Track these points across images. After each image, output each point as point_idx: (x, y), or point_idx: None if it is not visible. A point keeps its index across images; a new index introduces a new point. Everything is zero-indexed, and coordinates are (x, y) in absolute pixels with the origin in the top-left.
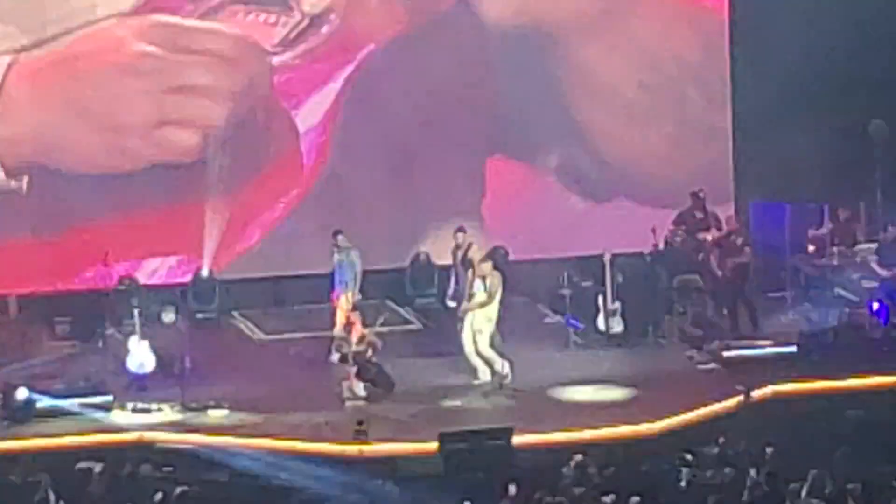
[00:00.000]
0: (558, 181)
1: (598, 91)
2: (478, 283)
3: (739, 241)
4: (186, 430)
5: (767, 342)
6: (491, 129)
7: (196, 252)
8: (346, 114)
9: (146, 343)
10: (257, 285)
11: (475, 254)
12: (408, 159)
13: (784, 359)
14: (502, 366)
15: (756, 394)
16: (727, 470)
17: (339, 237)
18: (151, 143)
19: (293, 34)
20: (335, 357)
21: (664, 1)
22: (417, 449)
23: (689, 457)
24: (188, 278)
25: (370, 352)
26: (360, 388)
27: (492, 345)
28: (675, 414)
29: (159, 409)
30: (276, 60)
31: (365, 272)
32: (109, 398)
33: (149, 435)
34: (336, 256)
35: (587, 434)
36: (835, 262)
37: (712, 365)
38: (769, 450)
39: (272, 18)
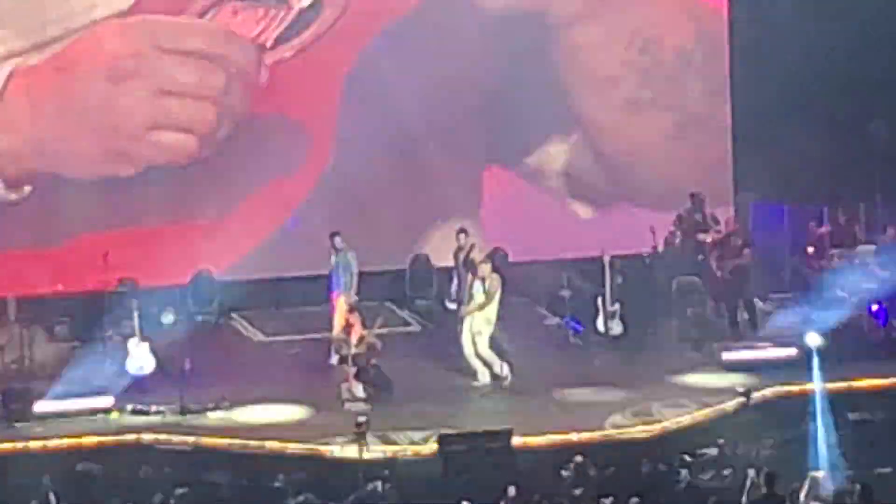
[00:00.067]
0: (558, 182)
1: (596, 82)
2: (477, 284)
3: (739, 242)
4: (186, 431)
5: (767, 344)
6: (489, 126)
7: (195, 254)
8: (343, 111)
9: (146, 345)
10: (257, 287)
11: (477, 255)
12: (407, 159)
13: (783, 360)
14: (501, 367)
15: (755, 395)
16: (726, 471)
17: (336, 238)
18: (148, 146)
19: (288, 29)
20: (334, 359)
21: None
22: (417, 450)
23: (688, 458)
24: (187, 280)
25: (369, 353)
26: (359, 390)
27: (491, 346)
28: (675, 416)
29: (159, 411)
30: (271, 57)
31: (364, 273)
32: (109, 400)
33: (148, 436)
34: (333, 258)
35: (586, 436)
36: (834, 264)
37: (712, 366)
38: (768, 452)
39: (269, 13)
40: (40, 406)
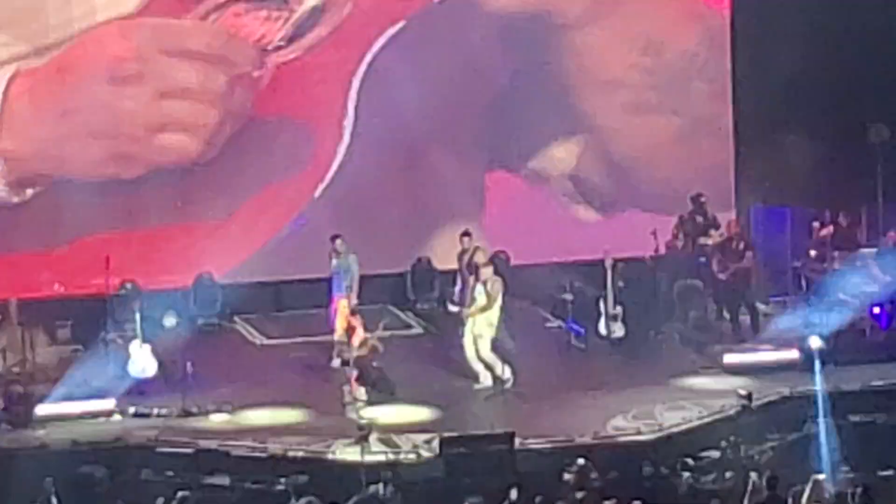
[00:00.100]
0: (562, 185)
1: (603, 88)
2: (479, 287)
3: (741, 245)
4: (188, 434)
5: (769, 347)
6: (494, 128)
7: (197, 257)
8: (348, 114)
9: (148, 348)
10: (259, 290)
11: (481, 258)
12: (411, 162)
13: (785, 363)
14: (503, 370)
15: (757, 398)
16: (728, 474)
17: (337, 241)
18: (151, 148)
19: (293, 30)
20: (336, 361)
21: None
22: (419, 453)
23: (689, 461)
24: (189, 283)
25: (371, 356)
26: (361, 393)
27: (494, 349)
28: (677, 418)
29: (161, 414)
30: (276, 59)
31: (367, 276)
32: (111, 403)
33: (150, 439)
34: (334, 261)
35: (588, 439)
36: (836, 267)
37: (713, 369)
38: (770, 454)
39: (275, 14)
40: (42, 409)
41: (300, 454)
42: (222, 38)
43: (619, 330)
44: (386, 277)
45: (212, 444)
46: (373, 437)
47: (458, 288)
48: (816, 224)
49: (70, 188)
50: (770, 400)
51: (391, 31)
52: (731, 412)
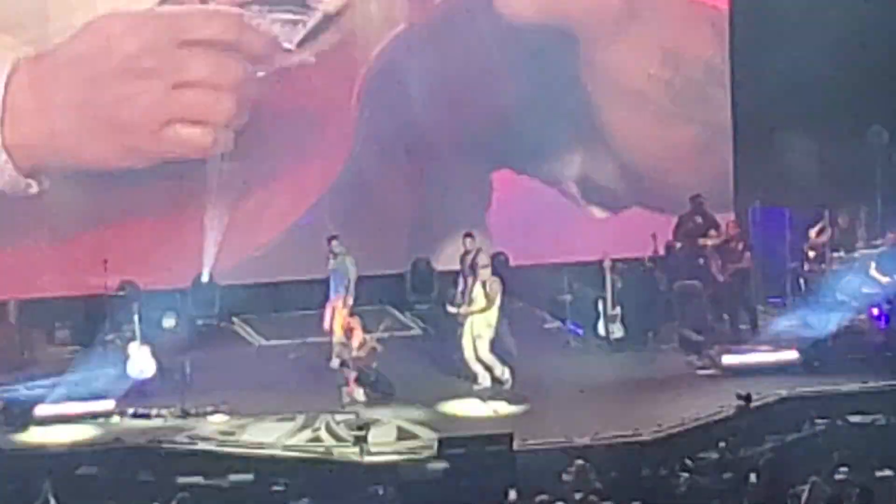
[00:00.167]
0: (568, 186)
1: (611, 88)
2: (478, 288)
3: (740, 246)
4: (186, 435)
5: (767, 348)
6: (503, 134)
7: (196, 257)
8: (357, 117)
9: (146, 348)
10: (258, 291)
11: (483, 260)
12: (417, 163)
13: (784, 364)
14: (502, 371)
15: (756, 399)
16: (727, 475)
17: (334, 243)
18: (161, 140)
19: (310, 32)
20: (335, 362)
21: (670, 2)
22: (417, 455)
23: (688, 462)
24: (188, 283)
25: (370, 357)
26: (359, 394)
27: (492, 350)
28: (675, 419)
29: (159, 415)
30: (290, 60)
31: (366, 277)
32: (110, 404)
33: (149, 440)
34: (331, 262)
35: (587, 439)
36: (835, 268)
37: (712, 370)
38: (769, 455)
39: (289, 17)
40: (41, 410)
41: (299, 455)
42: (235, 27)
43: (617, 331)
44: (385, 278)
45: (210, 444)
46: (371, 438)
47: (460, 289)
48: (812, 231)
49: (76, 183)
50: (768, 401)
51: (402, 36)
52: (730, 413)
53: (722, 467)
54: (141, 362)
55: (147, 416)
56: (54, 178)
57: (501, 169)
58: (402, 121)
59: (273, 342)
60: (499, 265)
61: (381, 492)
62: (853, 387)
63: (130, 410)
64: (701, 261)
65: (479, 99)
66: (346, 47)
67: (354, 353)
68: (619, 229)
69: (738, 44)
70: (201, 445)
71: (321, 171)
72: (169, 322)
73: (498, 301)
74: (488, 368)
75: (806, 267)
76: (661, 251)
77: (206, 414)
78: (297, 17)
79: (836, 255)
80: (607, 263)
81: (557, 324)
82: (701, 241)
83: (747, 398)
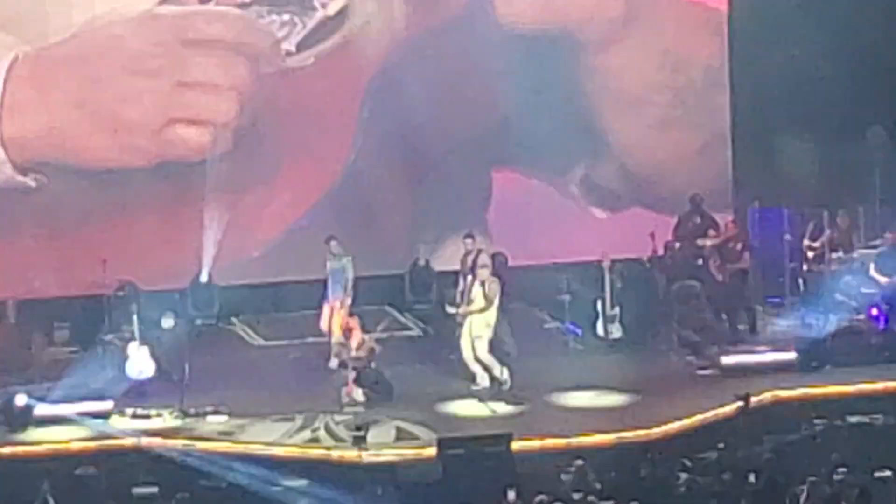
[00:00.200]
0: (569, 187)
1: (608, 92)
2: (476, 288)
3: (739, 246)
4: (185, 436)
5: (766, 348)
6: (501, 136)
7: (195, 257)
8: (357, 119)
9: (145, 349)
10: (257, 291)
11: (486, 261)
12: (416, 165)
13: (783, 365)
14: (501, 371)
15: (755, 399)
16: (726, 476)
17: (333, 243)
18: (160, 140)
19: (306, 37)
20: (334, 362)
21: (667, 4)
22: (416, 455)
23: (687, 462)
24: (187, 284)
25: (369, 357)
26: (359, 394)
27: (491, 350)
28: (674, 420)
29: (158, 415)
30: (288, 63)
31: (365, 278)
32: (109, 404)
33: (147, 441)
34: (329, 263)
35: (586, 440)
36: (834, 268)
37: (711, 370)
38: (768, 455)
39: (290, 19)
40: (40, 410)
41: (298, 455)
42: (238, 34)
43: (616, 331)
44: (384, 279)
45: (209, 445)
46: (370, 439)
47: (460, 290)
48: (807, 242)
49: (74, 181)
50: (767, 401)
51: (403, 40)
52: (729, 413)
53: (721, 467)
54: (140, 363)
55: (146, 417)
56: (54, 176)
57: (501, 170)
58: (402, 123)
59: (272, 342)
60: (498, 265)
61: (379, 492)
62: (852, 387)
63: (129, 411)
64: (700, 261)
65: (479, 103)
66: (346, 50)
67: (353, 354)
68: (618, 229)
69: (737, 45)
70: (200, 446)
71: (321, 172)
72: (168, 322)
73: (497, 301)
74: (487, 369)
75: (805, 267)
76: (660, 251)
77: (205, 414)
78: (298, 18)
79: (834, 255)
80: (606, 263)
81: (556, 324)
82: (700, 241)
83: (746, 398)
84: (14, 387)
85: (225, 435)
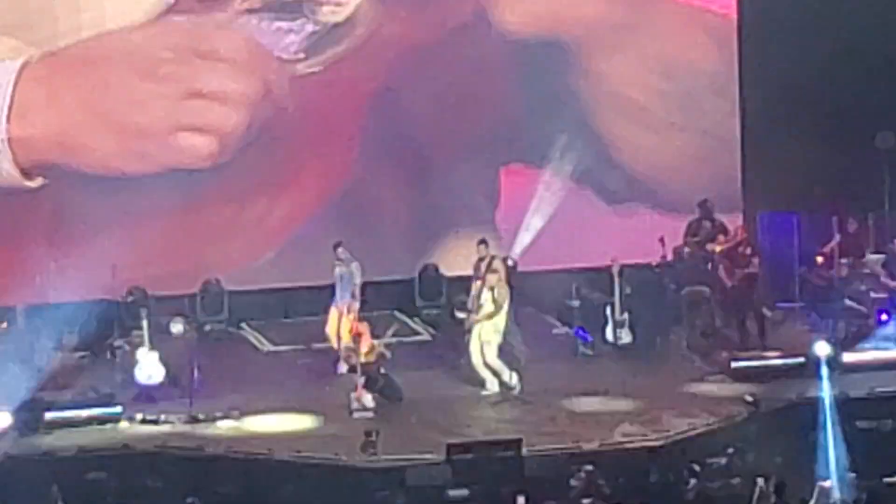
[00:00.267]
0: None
1: (611, 99)
2: (486, 293)
3: (748, 251)
4: (195, 441)
5: (775, 353)
6: (506, 141)
7: (205, 262)
8: (363, 126)
9: (155, 354)
10: (266, 296)
11: (499, 266)
12: (422, 170)
13: (792, 369)
14: (510, 377)
15: (764, 405)
16: (735, 480)
17: (339, 249)
18: (167, 147)
19: (313, 44)
20: (342, 367)
21: (678, 8)
22: (426, 460)
23: (697, 467)
24: (196, 289)
25: (378, 363)
26: (368, 399)
27: (500, 356)
28: (683, 425)
29: (168, 420)
30: (294, 69)
31: (374, 283)
32: (118, 409)
33: (157, 446)
34: (337, 269)
35: (596, 445)
36: (843, 274)
37: (720, 375)
38: (777, 460)
39: (292, 27)
40: (50, 415)
41: (307, 461)
42: (241, 42)
43: (625, 336)
44: (393, 284)
45: (219, 450)
46: (380, 443)
47: (473, 294)
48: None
49: (80, 187)
50: (777, 406)
51: (405, 49)
52: (739, 418)
53: (730, 473)
54: (149, 368)
55: (155, 422)
56: (63, 181)
57: (509, 172)
58: (408, 129)
59: (281, 347)
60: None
61: (389, 497)
62: (861, 392)
63: (139, 416)
64: (709, 266)
65: (481, 111)
66: (353, 57)
67: (363, 359)
68: (627, 234)
69: (747, 51)
70: (209, 451)
71: (328, 178)
72: (177, 328)
73: (506, 306)
74: (496, 374)
75: (814, 272)
76: (670, 256)
77: (214, 419)
78: (305, 26)
79: (844, 260)
80: (616, 269)
81: (566, 329)
82: (709, 246)
83: (756, 403)
84: (24, 392)
85: (234, 440)
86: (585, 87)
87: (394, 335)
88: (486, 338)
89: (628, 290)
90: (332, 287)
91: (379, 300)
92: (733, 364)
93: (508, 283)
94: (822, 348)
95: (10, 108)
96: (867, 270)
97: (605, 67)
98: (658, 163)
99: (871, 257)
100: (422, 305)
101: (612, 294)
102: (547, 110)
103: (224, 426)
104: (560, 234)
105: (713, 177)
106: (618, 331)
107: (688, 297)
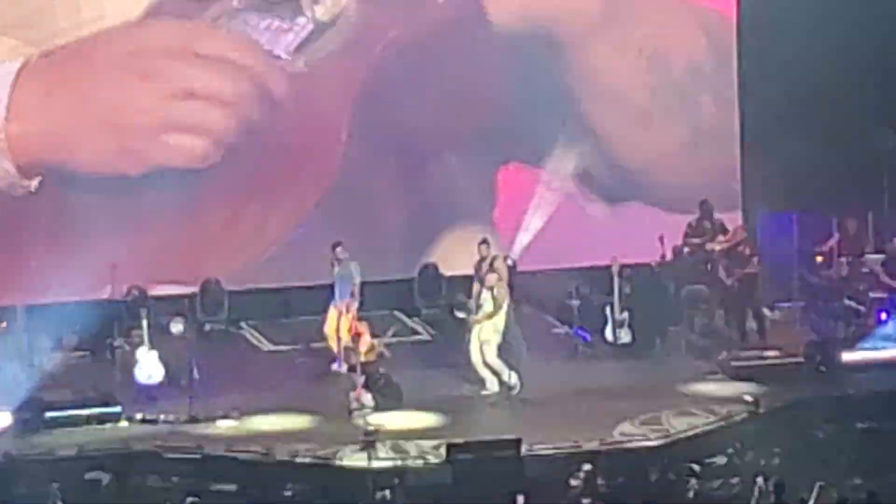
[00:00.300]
0: (571, 188)
1: (608, 95)
2: (485, 293)
3: (747, 251)
4: (195, 440)
5: (775, 353)
6: (501, 137)
7: (205, 262)
8: (356, 122)
9: (155, 353)
10: (265, 296)
11: (501, 267)
12: (418, 168)
13: (792, 369)
14: (510, 376)
15: (764, 405)
16: (735, 480)
17: (338, 249)
18: (159, 147)
19: (305, 41)
20: (338, 366)
21: (675, 6)
22: (425, 459)
23: (696, 467)
24: (196, 288)
25: (378, 362)
26: (367, 399)
27: (500, 355)
28: (683, 425)
29: (167, 420)
30: (287, 67)
31: (373, 283)
32: (118, 409)
33: (157, 445)
34: (335, 269)
35: (595, 445)
36: (843, 273)
37: (720, 375)
38: (776, 460)
39: (284, 25)
40: (50, 415)
41: (307, 460)
42: (233, 42)
43: (625, 336)
44: (393, 283)
45: (219, 450)
46: (379, 444)
47: (475, 293)
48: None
49: (73, 189)
50: (777, 406)
51: (396, 45)
52: (738, 418)
53: (730, 472)
54: (149, 367)
55: (155, 422)
56: (61, 182)
57: (506, 170)
58: (399, 127)
59: (280, 347)
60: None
61: (388, 497)
62: (861, 392)
63: (138, 415)
64: (709, 266)
65: (473, 106)
66: (341, 54)
67: (362, 358)
68: (626, 233)
69: (745, 49)
70: (209, 450)
71: (325, 175)
72: (177, 327)
73: (505, 306)
74: (496, 373)
75: (813, 272)
76: (669, 256)
77: (214, 419)
78: (293, 23)
79: (843, 259)
80: (615, 268)
81: (565, 329)
82: (709, 245)
83: (755, 403)
84: (23, 392)
85: (234, 439)
86: (580, 81)
87: (393, 335)
88: (485, 337)
89: (628, 290)
90: (331, 287)
91: (378, 300)
92: (733, 364)
93: (509, 283)
94: (821, 348)
95: (8, 108)
96: (867, 270)
97: (598, 62)
98: (655, 157)
99: (871, 257)
100: (421, 305)
101: (612, 293)
102: (542, 106)
103: (224, 426)
104: (559, 234)
105: (711, 171)
106: (617, 330)
107: (687, 296)
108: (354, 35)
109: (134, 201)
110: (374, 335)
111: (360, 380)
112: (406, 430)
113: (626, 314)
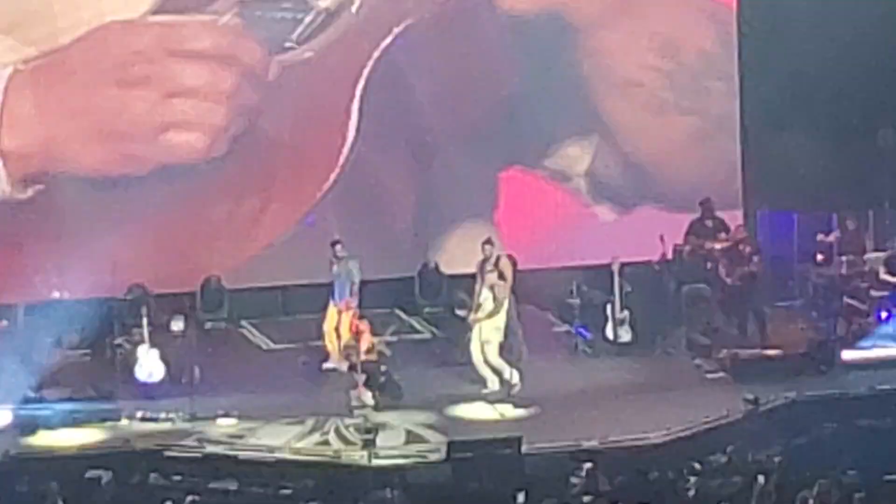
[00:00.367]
0: (578, 184)
1: (613, 85)
2: (486, 292)
3: (748, 249)
4: (195, 439)
5: (776, 351)
6: (508, 132)
7: (206, 259)
8: (362, 115)
9: (155, 352)
10: (266, 294)
11: (505, 267)
12: (423, 162)
13: (792, 367)
14: (511, 375)
15: (764, 402)
16: (735, 478)
17: (337, 247)
18: (160, 147)
19: (308, 30)
20: (340, 365)
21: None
22: (426, 457)
23: (697, 465)
24: (197, 287)
25: (379, 360)
26: (368, 397)
27: (501, 354)
28: (684, 423)
29: (168, 418)
30: (288, 59)
31: (374, 281)
32: (118, 407)
33: (157, 444)
34: (335, 267)
35: (596, 443)
36: (843, 272)
37: (720, 374)
38: (777, 458)
39: (287, 14)
40: (50, 413)
41: (307, 458)
42: (230, 38)
43: (626, 334)
44: (394, 282)
45: (219, 448)
46: (380, 442)
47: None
48: (821, 236)
49: (74, 188)
50: (777, 404)
51: (403, 33)
52: (738, 416)
53: (730, 471)
54: (149, 366)
55: (155, 420)
56: (58, 186)
57: (509, 168)
58: (405, 118)
59: (281, 345)
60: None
61: (389, 495)
62: (861, 390)
63: (139, 414)
64: (709, 264)
65: (482, 95)
66: (346, 44)
67: (363, 357)
68: (627, 232)
69: (746, 44)
70: (210, 449)
71: (322, 168)
72: (177, 325)
73: (506, 305)
74: (497, 372)
75: (814, 270)
76: (670, 254)
77: (214, 417)
78: (297, 14)
79: (844, 258)
80: (616, 267)
81: (566, 327)
82: (709, 244)
83: (755, 401)
84: (23, 390)
85: (234, 438)
86: (586, 67)
87: (394, 333)
88: (486, 336)
89: (628, 289)
90: (330, 284)
91: (379, 298)
92: (733, 362)
93: (514, 281)
94: (821, 346)
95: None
96: (867, 268)
97: (605, 46)
98: (663, 151)
99: (872, 255)
100: (422, 303)
101: (613, 292)
102: (552, 97)
103: (224, 424)
104: (561, 232)
105: (712, 160)
106: (618, 329)
107: (688, 295)
108: (359, 23)
109: (134, 199)
110: (374, 334)
111: (361, 378)
112: (406, 428)
113: (626, 313)
